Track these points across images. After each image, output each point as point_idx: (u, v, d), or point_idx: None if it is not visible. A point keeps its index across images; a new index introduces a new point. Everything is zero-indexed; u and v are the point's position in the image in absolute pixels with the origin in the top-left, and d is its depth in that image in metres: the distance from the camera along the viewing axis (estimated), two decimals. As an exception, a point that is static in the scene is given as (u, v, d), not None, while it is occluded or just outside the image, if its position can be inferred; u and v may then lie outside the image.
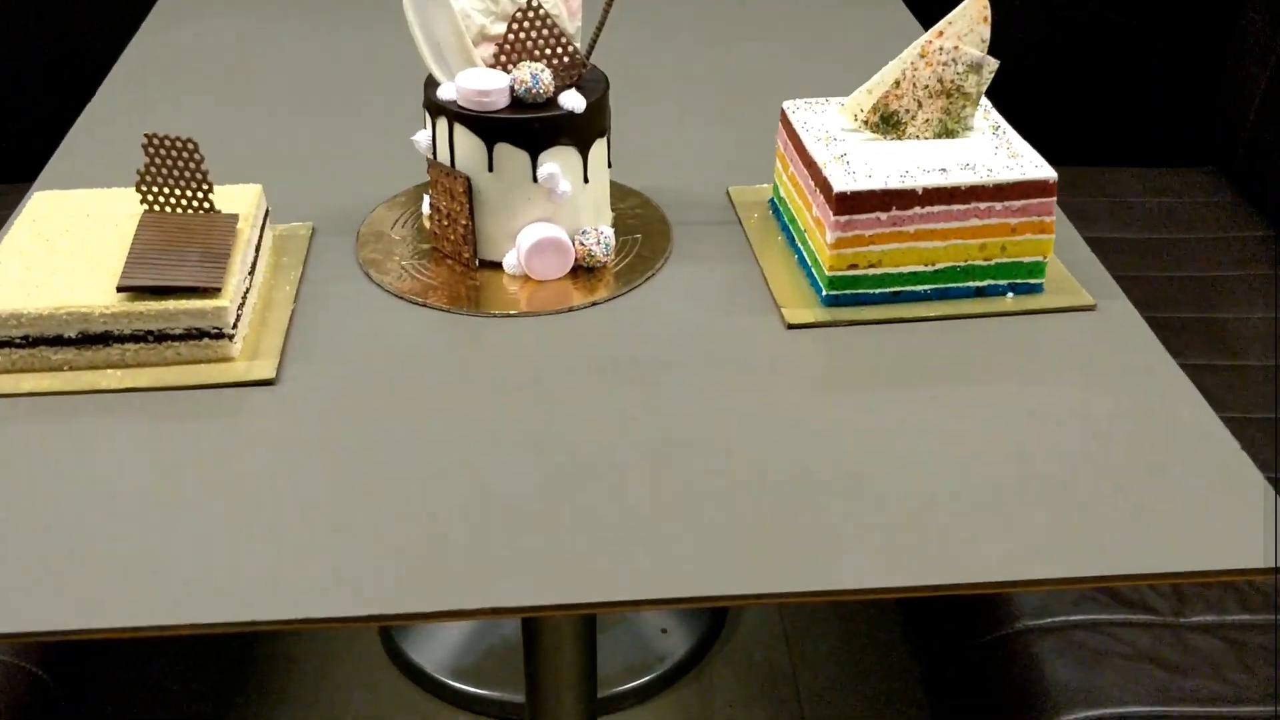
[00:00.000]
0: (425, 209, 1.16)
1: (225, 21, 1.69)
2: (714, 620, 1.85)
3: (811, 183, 1.08)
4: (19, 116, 2.28)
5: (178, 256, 1.00)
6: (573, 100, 1.07)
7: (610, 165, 1.16)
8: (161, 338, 0.98)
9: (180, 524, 0.86)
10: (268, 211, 1.14)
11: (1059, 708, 1.12)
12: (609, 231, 1.14)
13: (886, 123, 1.09)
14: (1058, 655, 1.16)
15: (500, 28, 1.10)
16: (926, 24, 1.75)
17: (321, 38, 1.63)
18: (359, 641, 1.84)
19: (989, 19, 1.10)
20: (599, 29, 1.11)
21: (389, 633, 1.82)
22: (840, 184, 1.02)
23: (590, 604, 0.82)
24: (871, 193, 1.02)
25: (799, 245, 1.13)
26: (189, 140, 1.03)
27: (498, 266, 1.12)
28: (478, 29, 1.10)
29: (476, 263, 1.12)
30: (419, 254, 1.15)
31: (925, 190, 1.03)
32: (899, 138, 1.10)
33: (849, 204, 1.03)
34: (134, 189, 1.05)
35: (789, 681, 1.78)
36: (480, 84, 1.05)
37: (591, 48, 1.12)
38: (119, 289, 0.97)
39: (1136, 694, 1.12)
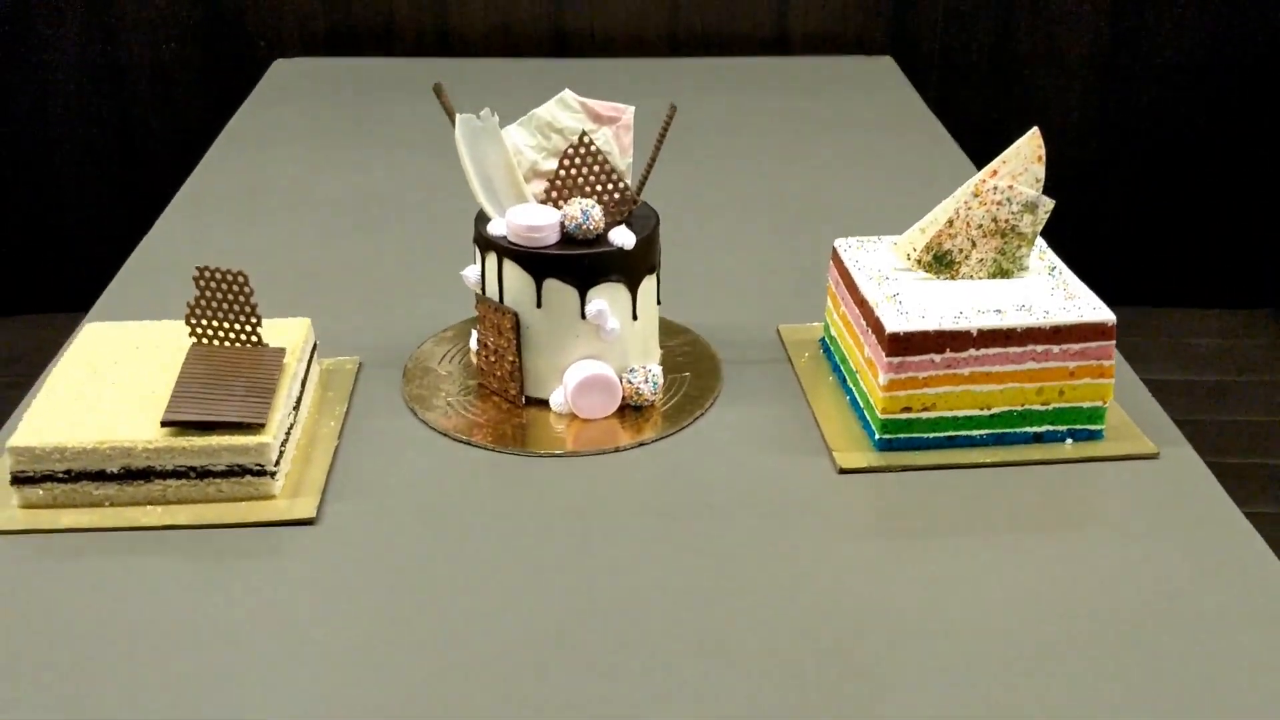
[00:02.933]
0: (473, 344, 1.16)
1: (284, 152, 1.72)
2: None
3: (864, 322, 1.07)
4: (79, 244, 2.33)
5: (223, 391, 1.00)
6: (623, 237, 1.06)
7: (660, 302, 1.15)
8: (204, 474, 0.97)
9: (218, 665, 0.84)
10: (315, 345, 1.14)
11: None
12: (657, 370, 1.12)
13: (940, 262, 1.08)
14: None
15: (552, 164, 1.10)
16: (972, 155, 1.79)
17: (374, 170, 1.66)
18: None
19: (1044, 158, 1.09)
20: (650, 165, 1.11)
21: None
22: (893, 324, 1.01)
23: (634, 759, 0.79)
24: (925, 334, 1.01)
25: (850, 386, 1.11)
26: (239, 273, 1.04)
27: (544, 404, 1.11)
28: (529, 165, 1.11)
29: (523, 399, 1.11)
30: (465, 390, 1.14)
31: (980, 332, 1.01)
32: (952, 278, 1.08)
33: (902, 345, 1.01)
34: (184, 321, 1.05)
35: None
36: (530, 219, 1.05)
37: (642, 184, 1.12)
38: (163, 423, 0.96)
39: None
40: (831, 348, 1.17)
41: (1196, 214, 2.38)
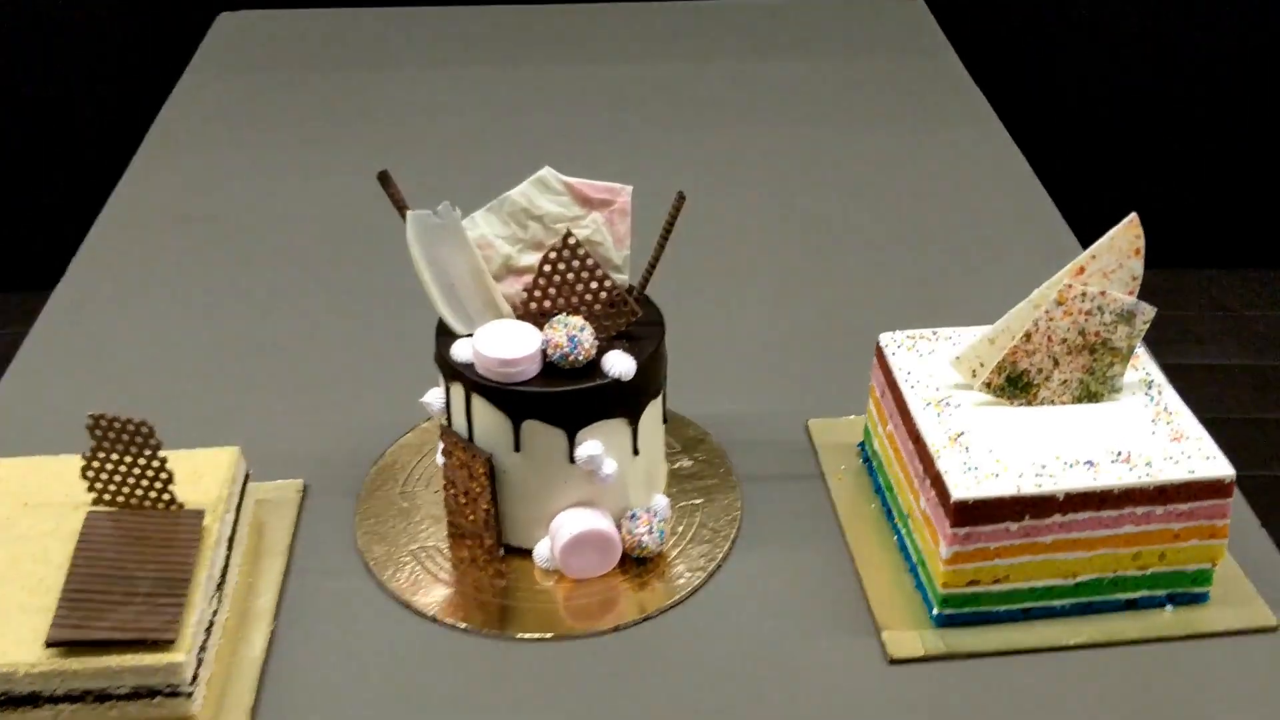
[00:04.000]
0: (439, 458, 0.95)
1: (218, 159, 1.48)
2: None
3: (919, 465, 0.86)
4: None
5: (124, 587, 0.80)
6: (619, 363, 0.85)
7: (665, 420, 0.95)
8: (103, 698, 0.78)
9: None
10: (248, 476, 0.94)
11: None
12: (663, 508, 0.92)
13: (1014, 385, 0.87)
14: None
15: (530, 259, 0.89)
16: (1018, 134, 1.56)
17: (332, 176, 1.43)
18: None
19: (1143, 250, 0.87)
20: (654, 261, 0.89)
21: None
22: (961, 489, 0.80)
23: None
24: (1000, 500, 0.80)
25: (900, 529, 0.91)
26: (142, 424, 0.83)
27: (528, 554, 0.91)
28: (502, 261, 0.89)
29: (501, 551, 0.91)
30: (432, 525, 0.94)
31: (1068, 496, 0.81)
32: (1029, 402, 0.87)
33: (971, 514, 0.81)
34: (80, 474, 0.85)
35: None
36: (503, 350, 0.84)
37: (645, 282, 0.90)
38: (48, 644, 0.77)
39: None
40: (874, 463, 0.97)
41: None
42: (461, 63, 1.69)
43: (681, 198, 0.86)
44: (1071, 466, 0.82)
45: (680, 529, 0.94)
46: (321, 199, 1.39)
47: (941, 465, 0.82)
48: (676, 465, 0.99)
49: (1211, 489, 0.82)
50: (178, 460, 0.87)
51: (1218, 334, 1.97)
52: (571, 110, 1.58)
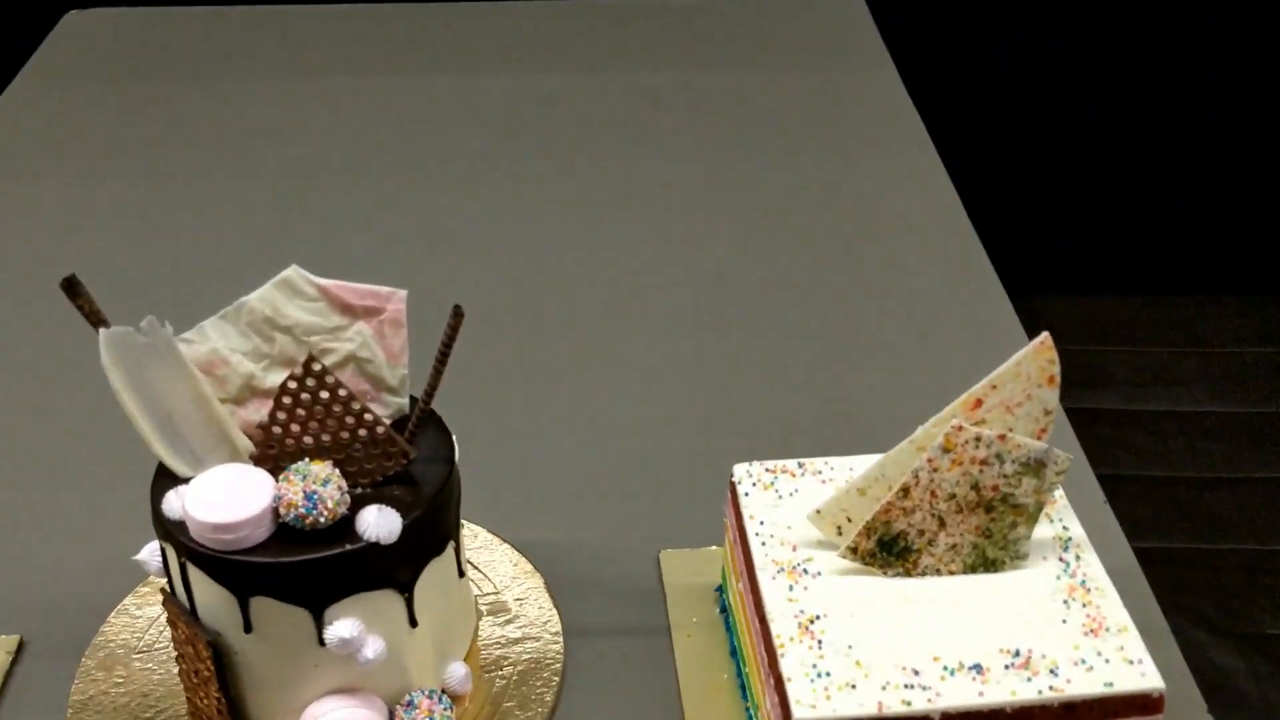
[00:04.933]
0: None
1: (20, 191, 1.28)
2: None
3: (765, 655, 0.67)
4: None
5: None
6: (378, 523, 0.66)
7: (461, 574, 0.76)
8: None
9: None
10: (-60, 638, 0.75)
11: None
12: (459, 681, 0.74)
13: (888, 550, 0.68)
14: None
15: (278, 378, 0.69)
16: (945, 147, 1.36)
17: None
18: None
19: (1058, 379, 0.68)
20: (433, 384, 0.70)
21: None
22: (803, 708, 0.61)
23: None
24: (855, 722, 0.62)
25: (752, 716, 0.73)
26: None
27: (281, 746, 0.72)
28: (242, 381, 0.70)
29: (243, 748, 0.73)
30: (166, 707, 0.75)
31: (944, 716, 0.62)
32: (907, 572, 0.69)
33: (817, 739, 0.62)
34: None
35: None
36: (220, 513, 0.65)
37: (426, 407, 0.71)
38: None
39: None
40: (730, 618, 0.78)
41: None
42: (326, 71, 1.49)
43: (458, 315, 0.67)
44: (953, 674, 0.63)
45: (481, 710, 0.75)
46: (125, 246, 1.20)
47: (785, 667, 0.63)
48: (491, 615, 0.80)
49: (1134, 705, 0.63)
50: None
51: (1192, 374, 1.79)
52: (437, 121, 1.39)
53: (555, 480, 0.92)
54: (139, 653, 0.78)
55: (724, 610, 0.80)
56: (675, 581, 0.83)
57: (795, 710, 0.61)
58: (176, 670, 0.76)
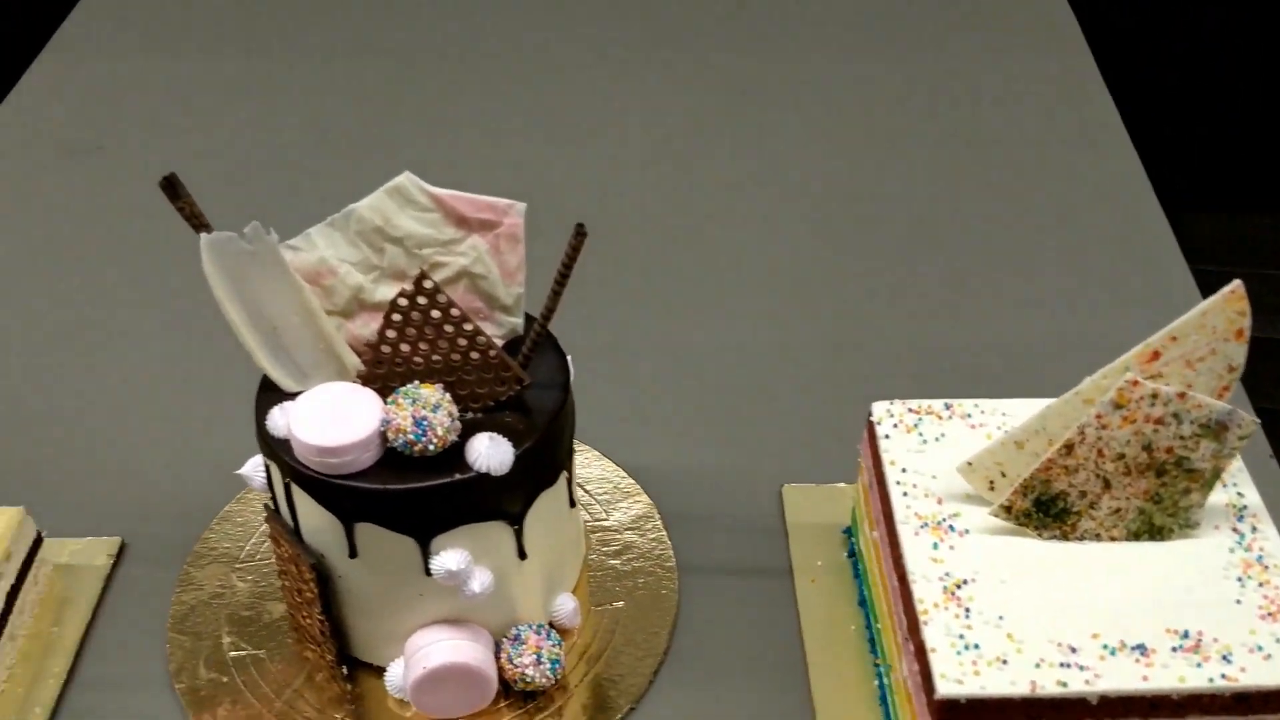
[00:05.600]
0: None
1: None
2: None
3: (904, 618, 0.62)
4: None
5: None
6: (489, 454, 0.61)
7: (573, 504, 0.71)
8: None
9: None
10: (39, 541, 0.73)
11: None
12: (568, 615, 0.70)
13: (1045, 511, 0.62)
14: None
15: (388, 292, 0.64)
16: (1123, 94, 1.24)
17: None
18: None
19: (1247, 333, 0.61)
20: (551, 306, 0.65)
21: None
22: (949, 683, 0.56)
23: None
24: (1004, 702, 0.56)
25: (882, 675, 0.68)
26: None
27: (383, 672, 0.69)
28: (350, 294, 0.65)
29: (344, 671, 0.69)
30: (271, 624, 0.72)
31: (1104, 700, 0.56)
32: (1064, 535, 0.62)
33: (962, 717, 0.57)
34: None
35: None
36: (326, 435, 0.61)
37: (542, 331, 0.66)
38: None
39: None
40: (860, 566, 0.73)
41: None
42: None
43: (581, 234, 0.61)
44: (1114, 653, 0.57)
45: (590, 645, 0.71)
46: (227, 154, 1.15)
47: (928, 636, 0.58)
48: (600, 546, 0.76)
49: (1316, 700, 0.57)
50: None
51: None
52: (562, 23, 1.31)
53: (671, 405, 0.87)
54: (240, 563, 0.76)
55: (852, 555, 0.75)
56: (798, 520, 0.78)
57: (940, 685, 0.56)
58: (279, 585, 0.73)
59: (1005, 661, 0.57)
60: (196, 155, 1.12)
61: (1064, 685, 0.56)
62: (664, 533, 0.77)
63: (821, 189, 1.07)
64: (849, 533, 0.76)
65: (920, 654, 0.59)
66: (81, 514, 0.78)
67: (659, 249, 1.01)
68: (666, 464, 0.82)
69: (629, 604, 0.73)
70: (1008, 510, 0.62)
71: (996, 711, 0.56)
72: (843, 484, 0.79)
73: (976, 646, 0.57)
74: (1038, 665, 0.57)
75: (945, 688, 0.56)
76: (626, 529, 0.78)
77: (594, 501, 0.79)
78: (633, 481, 0.80)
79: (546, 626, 0.69)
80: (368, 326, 0.66)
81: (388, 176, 0.64)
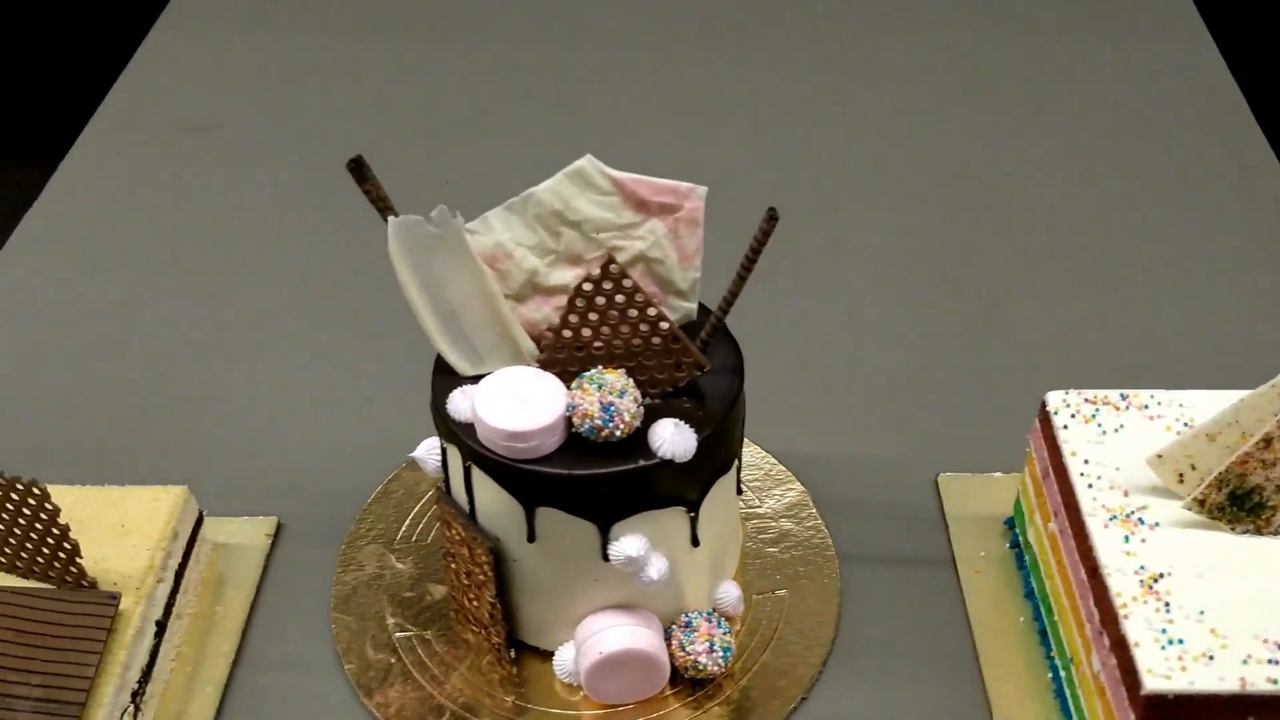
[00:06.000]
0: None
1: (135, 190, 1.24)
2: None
3: (1095, 611, 0.61)
4: None
5: (3, 705, 0.60)
6: (674, 441, 0.61)
7: (740, 492, 0.71)
8: None
9: None
10: (200, 520, 0.73)
11: None
12: (733, 602, 0.69)
13: (1239, 505, 0.61)
14: None
15: (564, 276, 0.64)
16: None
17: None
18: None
19: None
20: (734, 291, 0.64)
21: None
22: (1157, 678, 0.55)
23: None
24: (1213, 699, 0.55)
25: (1058, 666, 0.67)
26: (32, 484, 0.62)
27: (548, 656, 0.69)
28: (525, 278, 0.65)
29: (512, 656, 0.69)
30: (431, 608, 0.72)
31: (1315, 699, 0.55)
32: (1258, 530, 0.61)
33: (1169, 713, 0.56)
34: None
35: None
36: (512, 419, 0.60)
37: (722, 317, 0.65)
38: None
39: None
40: (1026, 556, 0.72)
41: None
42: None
43: (772, 219, 0.60)
44: (1323, 651, 0.56)
45: (755, 634, 0.71)
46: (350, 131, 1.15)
47: (1130, 630, 0.57)
48: (754, 535, 0.76)
49: None
50: (102, 504, 0.67)
51: None
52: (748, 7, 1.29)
53: (824, 390, 0.86)
54: (397, 545, 0.76)
55: (1015, 546, 0.74)
56: (956, 510, 0.77)
57: (1147, 680, 0.55)
58: (440, 567, 0.73)
59: (1211, 657, 0.56)
60: (318, 134, 1.12)
61: (1274, 682, 0.55)
62: (820, 520, 0.76)
63: (984, 177, 1.06)
64: (1011, 524, 0.75)
65: (1120, 648, 0.57)
66: (235, 494, 0.79)
67: (817, 236, 1.00)
68: (814, 451, 0.81)
69: (792, 592, 0.72)
70: (1201, 503, 0.61)
71: (1203, 708, 0.55)
72: (998, 474, 0.78)
73: (1180, 641, 0.56)
74: (1244, 661, 0.55)
75: (1152, 683, 0.55)
76: (781, 516, 0.77)
77: (746, 488, 0.78)
78: (783, 468, 0.80)
79: (715, 614, 0.68)
80: (540, 310, 0.65)
81: (567, 161, 0.63)
